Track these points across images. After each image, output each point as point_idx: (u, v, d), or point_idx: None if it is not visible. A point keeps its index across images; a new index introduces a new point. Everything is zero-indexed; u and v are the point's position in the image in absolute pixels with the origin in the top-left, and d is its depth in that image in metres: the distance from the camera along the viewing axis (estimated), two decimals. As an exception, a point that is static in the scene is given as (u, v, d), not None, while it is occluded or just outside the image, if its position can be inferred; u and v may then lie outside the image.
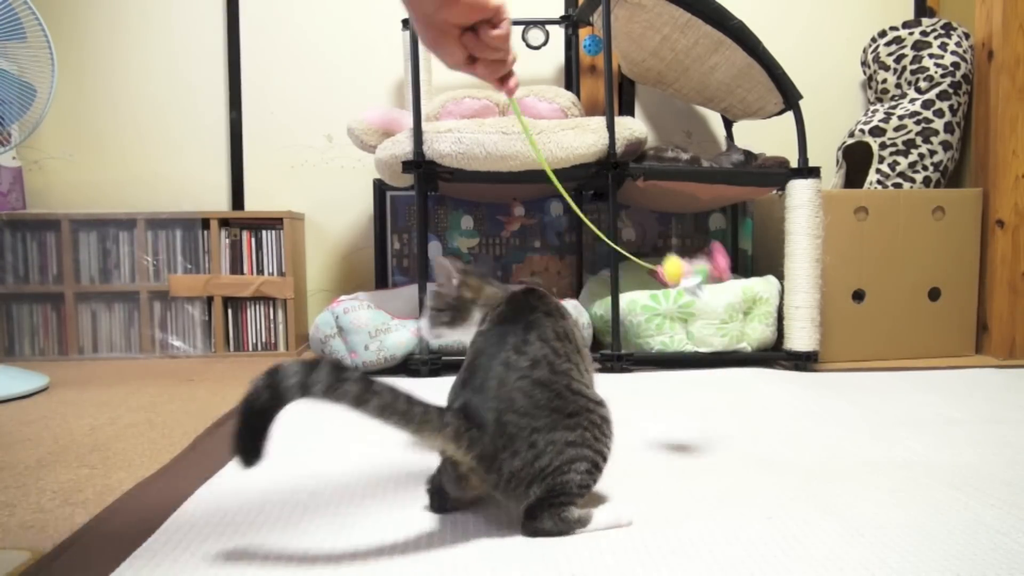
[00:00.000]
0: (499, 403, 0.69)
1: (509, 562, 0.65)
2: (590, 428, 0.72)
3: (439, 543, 0.70)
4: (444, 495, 0.77)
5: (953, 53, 1.92)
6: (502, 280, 2.16)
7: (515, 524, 0.74)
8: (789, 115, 1.74)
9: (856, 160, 2.02)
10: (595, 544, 0.69)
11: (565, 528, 0.71)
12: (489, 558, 0.66)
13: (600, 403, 0.76)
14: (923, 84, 1.94)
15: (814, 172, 1.67)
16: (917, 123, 1.91)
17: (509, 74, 0.78)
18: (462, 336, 0.81)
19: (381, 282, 2.13)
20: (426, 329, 0.83)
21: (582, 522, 0.72)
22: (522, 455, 0.69)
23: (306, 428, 1.12)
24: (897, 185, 1.92)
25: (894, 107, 1.96)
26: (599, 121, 1.65)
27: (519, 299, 0.79)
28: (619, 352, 1.63)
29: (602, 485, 0.81)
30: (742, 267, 2.15)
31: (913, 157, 1.91)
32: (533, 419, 0.69)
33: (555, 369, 0.72)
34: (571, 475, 0.70)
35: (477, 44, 0.73)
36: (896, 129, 1.93)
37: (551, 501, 0.70)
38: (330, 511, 0.78)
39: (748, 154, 1.86)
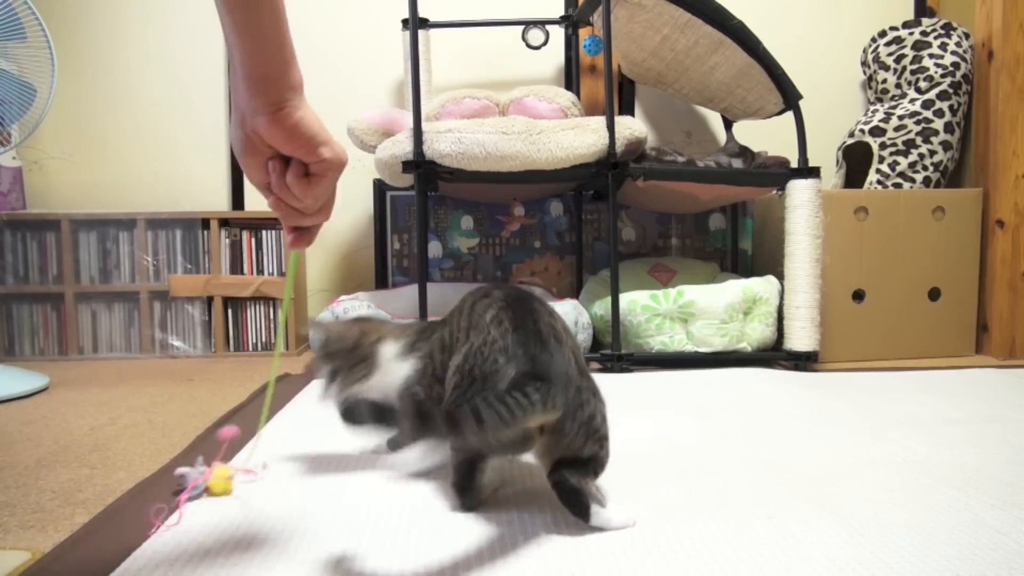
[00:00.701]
0: (566, 357, 0.72)
1: (509, 562, 0.65)
2: (603, 411, 0.75)
3: (438, 543, 0.70)
4: (472, 491, 0.76)
5: (953, 53, 1.92)
6: (502, 281, 2.17)
7: (515, 525, 0.74)
8: (789, 115, 1.74)
9: (856, 160, 2.02)
10: (595, 544, 0.69)
11: (585, 493, 0.71)
12: (489, 558, 0.66)
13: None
14: (923, 84, 1.94)
15: (814, 172, 1.67)
16: (917, 123, 1.91)
17: (303, 228, 0.65)
18: (380, 383, 0.77)
19: (381, 282, 2.13)
20: (335, 394, 0.79)
21: (596, 499, 0.72)
22: (585, 410, 0.71)
23: (310, 427, 1.12)
24: (897, 185, 1.92)
25: (894, 107, 1.96)
26: (599, 121, 1.65)
27: (514, 288, 0.82)
28: (619, 352, 1.63)
29: (603, 484, 0.81)
30: (742, 267, 2.15)
31: (913, 157, 1.91)
32: (585, 380, 0.73)
33: (575, 345, 0.76)
34: (606, 448, 0.74)
35: (279, 178, 0.60)
36: (896, 129, 1.93)
37: (588, 464, 0.72)
38: (330, 508, 0.78)
39: (746, 149, 1.86)
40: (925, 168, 1.91)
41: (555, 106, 1.80)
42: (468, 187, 1.86)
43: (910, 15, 2.23)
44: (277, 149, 0.60)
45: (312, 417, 1.22)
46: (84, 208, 2.11)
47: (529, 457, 0.76)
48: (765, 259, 1.99)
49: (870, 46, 2.09)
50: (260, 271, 2.00)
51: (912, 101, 1.93)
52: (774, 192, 1.79)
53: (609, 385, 1.45)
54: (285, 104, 0.58)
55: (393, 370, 0.79)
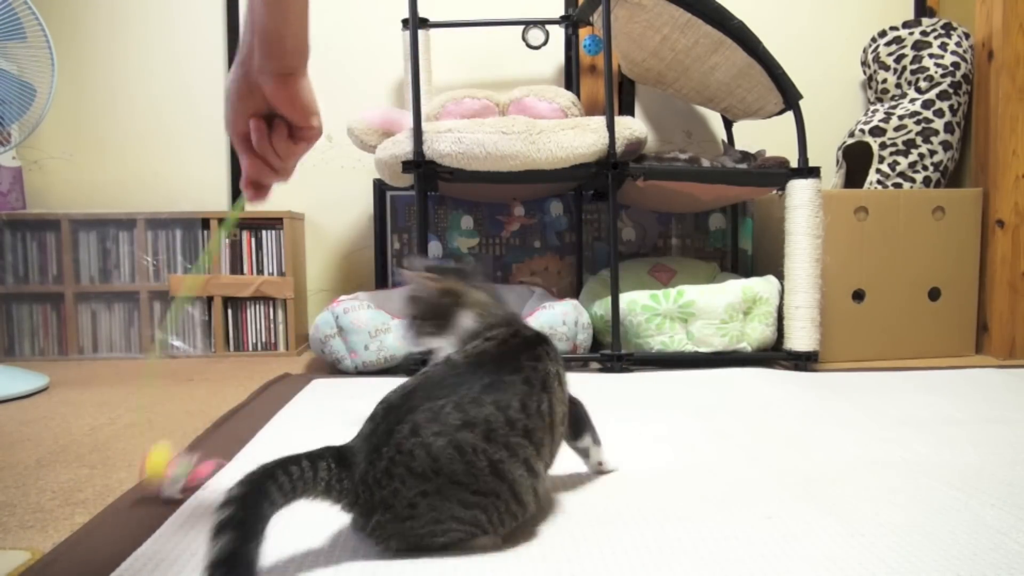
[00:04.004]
0: (393, 454, 0.61)
1: (508, 561, 0.65)
2: (491, 512, 0.64)
3: (439, 543, 0.70)
4: None
5: (953, 53, 1.92)
6: (502, 281, 2.17)
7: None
8: (789, 115, 1.74)
9: (856, 160, 2.02)
10: (595, 544, 0.69)
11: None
12: (488, 557, 0.66)
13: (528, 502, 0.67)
14: (923, 84, 1.94)
15: (814, 172, 1.67)
16: (917, 123, 1.91)
17: (260, 185, 0.67)
18: (453, 342, 0.75)
19: (381, 282, 2.13)
20: (409, 338, 0.77)
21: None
22: (395, 511, 0.62)
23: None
24: (897, 185, 1.92)
25: (894, 107, 1.96)
26: (599, 121, 1.65)
27: (513, 347, 0.70)
28: (619, 352, 1.63)
29: (603, 484, 0.82)
30: (742, 267, 2.15)
31: (913, 157, 1.91)
32: (424, 481, 0.61)
33: (491, 439, 0.63)
34: (437, 538, 0.64)
35: (263, 136, 0.63)
36: (896, 129, 1.93)
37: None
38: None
39: (748, 155, 1.86)
40: (925, 168, 1.91)
41: (555, 106, 1.80)
42: (468, 187, 1.86)
43: (910, 15, 2.23)
44: (276, 109, 0.62)
45: (313, 417, 1.22)
46: (84, 208, 2.11)
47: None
48: (765, 259, 1.99)
49: (870, 46, 2.09)
50: (260, 271, 2.00)
51: (912, 101, 1.93)
52: (774, 192, 1.79)
53: (609, 385, 1.45)
54: (295, 70, 0.62)
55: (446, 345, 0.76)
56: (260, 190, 0.67)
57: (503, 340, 0.71)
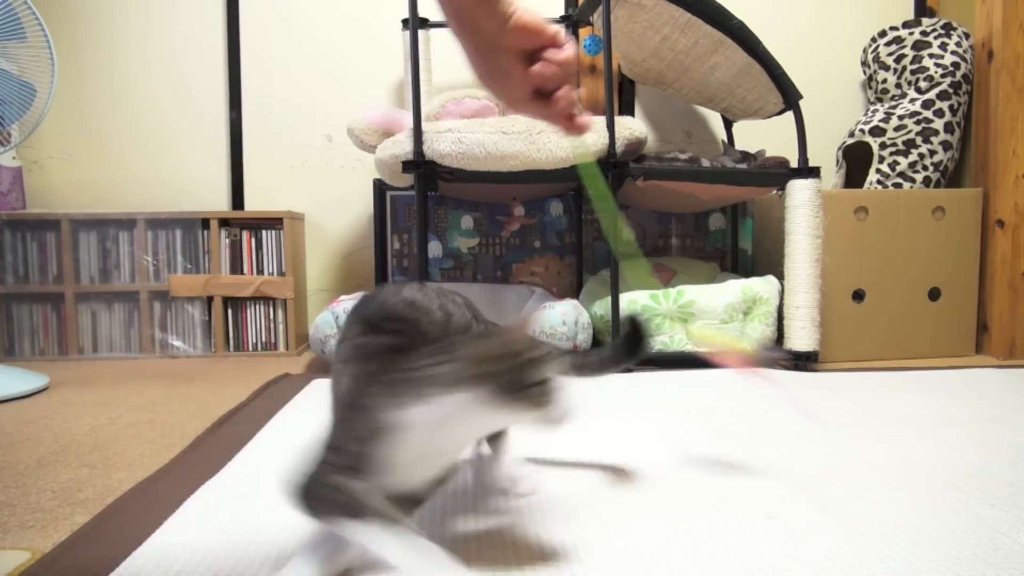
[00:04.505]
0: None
1: (508, 560, 0.65)
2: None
3: (436, 541, 0.70)
4: None
5: (953, 53, 1.92)
6: (502, 281, 2.17)
7: (515, 524, 0.74)
8: (789, 115, 1.74)
9: (856, 160, 2.02)
10: (595, 542, 0.69)
11: None
12: (488, 557, 0.66)
13: None
14: (923, 84, 1.94)
15: (814, 172, 1.67)
16: (917, 123, 1.91)
17: (570, 117, 0.68)
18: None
19: (381, 282, 2.13)
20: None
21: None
22: None
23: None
24: (897, 185, 1.92)
25: (894, 107, 1.96)
26: (599, 121, 1.65)
27: None
28: (619, 352, 1.63)
29: (603, 484, 0.81)
30: (742, 267, 2.15)
31: (913, 157, 1.91)
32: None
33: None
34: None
35: (540, 76, 0.64)
36: (896, 129, 1.93)
37: None
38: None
39: (748, 155, 1.86)
40: (925, 168, 1.91)
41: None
42: (468, 187, 1.86)
43: (910, 15, 2.23)
44: (526, 47, 0.63)
45: (313, 417, 1.22)
46: (84, 208, 2.11)
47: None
48: (765, 259, 1.99)
49: (870, 46, 2.09)
50: (260, 271, 2.00)
51: (912, 101, 1.93)
52: (774, 192, 1.79)
53: (609, 385, 1.45)
54: (512, 8, 0.63)
55: None
56: (572, 121, 0.68)
57: None
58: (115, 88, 2.17)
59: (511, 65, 0.64)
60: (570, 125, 0.68)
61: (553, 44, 0.64)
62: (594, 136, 1.62)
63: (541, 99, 0.66)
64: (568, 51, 0.65)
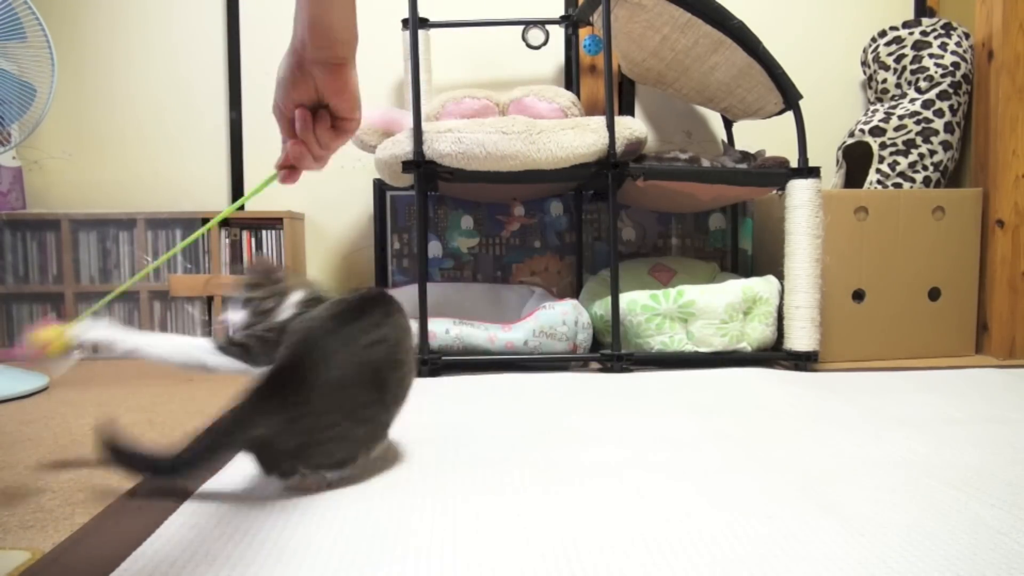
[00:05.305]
0: None
1: (508, 559, 0.65)
2: None
3: (438, 542, 0.70)
4: None
5: (953, 53, 1.92)
6: (502, 281, 2.17)
7: (513, 523, 0.74)
8: (789, 115, 1.74)
9: (856, 160, 2.02)
10: (595, 542, 0.69)
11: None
12: (488, 556, 0.66)
13: None
14: (923, 84, 1.94)
15: (814, 172, 1.67)
16: (917, 123, 1.91)
17: (293, 168, 0.70)
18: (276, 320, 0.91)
19: (381, 282, 2.13)
20: (241, 319, 0.93)
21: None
22: None
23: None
24: (897, 185, 1.92)
25: (894, 107, 1.96)
26: (599, 121, 1.65)
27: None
28: (619, 352, 1.63)
29: (602, 484, 0.81)
30: (742, 267, 2.15)
31: (913, 157, 1.91)
32: None
33: None
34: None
35: (307, 125, 0.65)
36: (896, 129, 1.93)
37: None
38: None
39: (748, 155, 1.86)
40: (925, 168, 1.91)
41: (555, 106, 1.80)
42: (468, 187, 1.86)
43: (910, 15, 2.23)
44: (325, 98, 0.65)
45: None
46: (84, 208, 2.11)
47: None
48: (765, 259, 1.99)
49: (870, 46, 2.09)
50: (260, 271, 2.00)
51: (912, 101, 1.93)
52: (774, 192, 1.79)
53: (609, 385, 1.45)
54: (346, 60, 0.65)
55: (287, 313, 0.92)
56: (294, 173, 0.70)
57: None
58: (115, 88, 2.17)
59: (307, 84, 0.64)
60: (287, 171, 0.70)
61: (346, 119, 0.66)
62: (593, 136, 1.62)
63: (304, 113, 0.65)
64: (339, 139, 0.67)
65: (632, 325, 1.69)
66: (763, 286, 1.72)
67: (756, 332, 1.70)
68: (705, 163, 1.79)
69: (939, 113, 1.90)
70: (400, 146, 1.65)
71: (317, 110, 0.66)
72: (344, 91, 0.65)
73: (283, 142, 0.68)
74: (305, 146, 0.67)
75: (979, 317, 1.86)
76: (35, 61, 1.55)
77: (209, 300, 1.99)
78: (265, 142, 2.20)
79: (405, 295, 1.95)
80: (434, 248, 2.15)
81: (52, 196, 2.17)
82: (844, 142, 2.04)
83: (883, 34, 2.05)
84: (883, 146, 1.94)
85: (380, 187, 2.12)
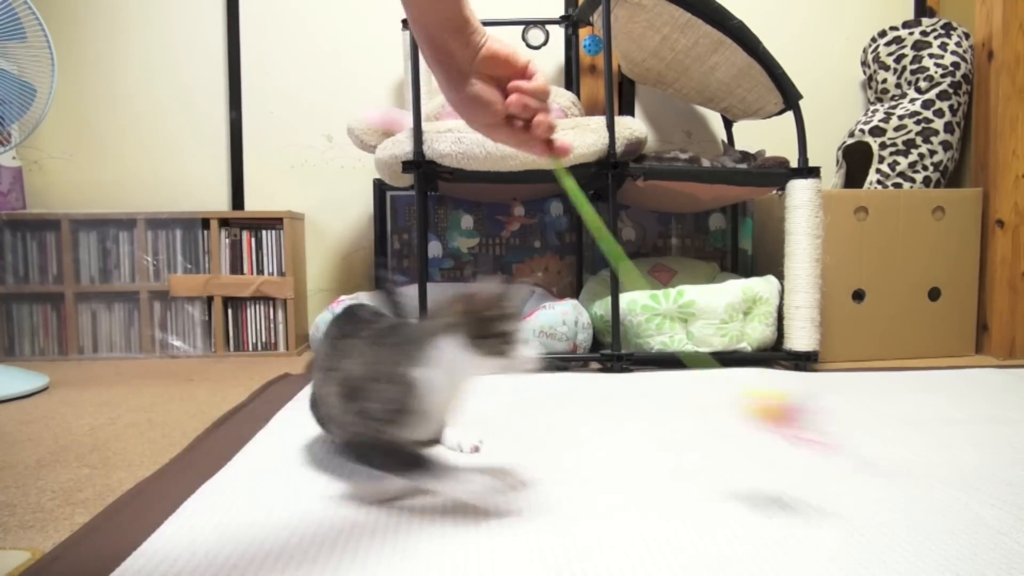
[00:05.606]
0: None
1: (507, 558, 0.65)
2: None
3: (436, 540, 0.70)
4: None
5: (953, 53, 1.92)
6: (501, 280, 2.17)
7: (513, 521, 0.74)
8: (789, 115, 1.74)
9: (856, 160, 2.02)
10: (595, 541, 0.69)
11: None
12: (488, 555, 0.66)
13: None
14: (923, 84, 1.94)
15: (814, 172, 1.67)
16: (917, 123, 1.91)
17: (549, 142, 0.70)
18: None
19: (381, 282, 2.13)
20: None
21: None
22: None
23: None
24: (897, 185, 1.92)
25: (894, 107, 1.96)
26: (599, 121, 1.65)
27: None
28: (619, 352, 1.63)
29: (602, 485, 0.81)
30: (742, 267, 2.15)
31: (913, 157, 1.91)
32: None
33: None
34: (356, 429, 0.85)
35: (514, 105, 0.67)
36: (896, 129, 1.93)
37: None
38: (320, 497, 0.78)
39: (748, 155, 1.86)
40: (925, 168, 1.91)
41: (555, 106, 1.80)
42: (468, 187, 1.86)
43: (910, 15, 2.23)
44: (497, 75, 0.66)
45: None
46: (84, 208, 2.11)
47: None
48: (765, 259, 1.99)
49: (870, 46, 2.09)
50: (260, 271, 2.00)
51: (912, 101, 1.93)
52: (774, 192, 1.79)
53: (609, 385, 1.45)
54: (484, 38, 0.66)
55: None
56: (550, 146, 0.70)
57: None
58: (115, 88, 2.17)
59: (484, 92, 0.66)
60: (549, 150, 0.70)
61: (523, 75, 0.67)
62: (593, 136, 1.62)
63: (515, 126, 0.68)
64: (538, 80, 0.67)
65: (632, 325, 1.69)
66: (763, 286, 1.72)
67: (756, 332, 1.70)
68: (705, 163, 1.79)
69: (939, 113, 1.90)
70: (400, 146, 1.64)
71: (504, 87, 0.67)
72: (506, 57, 0.66)
73: (526, 151, 0.70)
74: (533, 135, 0.68)
75: (979, 317, 1.86)
76: (35, 61, 1.55)
77: (209, 300, 1.99)
78: (265, 142, 2.20)
79: (405, 295, 1.95)
80: (434, 248, 2.15)
81: (52, 196, 2.17)
82: (844, 142, 2.04)
83: (883, 34, 2.05)
84: (883, 146, 1.94)
85: (380, 187, 2.12)
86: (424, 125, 1.61)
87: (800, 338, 1.65)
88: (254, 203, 2.20)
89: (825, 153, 2.10)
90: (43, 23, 1.53)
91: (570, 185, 0.75)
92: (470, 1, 0.65)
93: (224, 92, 2.19)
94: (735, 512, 0.77)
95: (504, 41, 0.67)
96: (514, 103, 0.66)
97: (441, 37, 0.64)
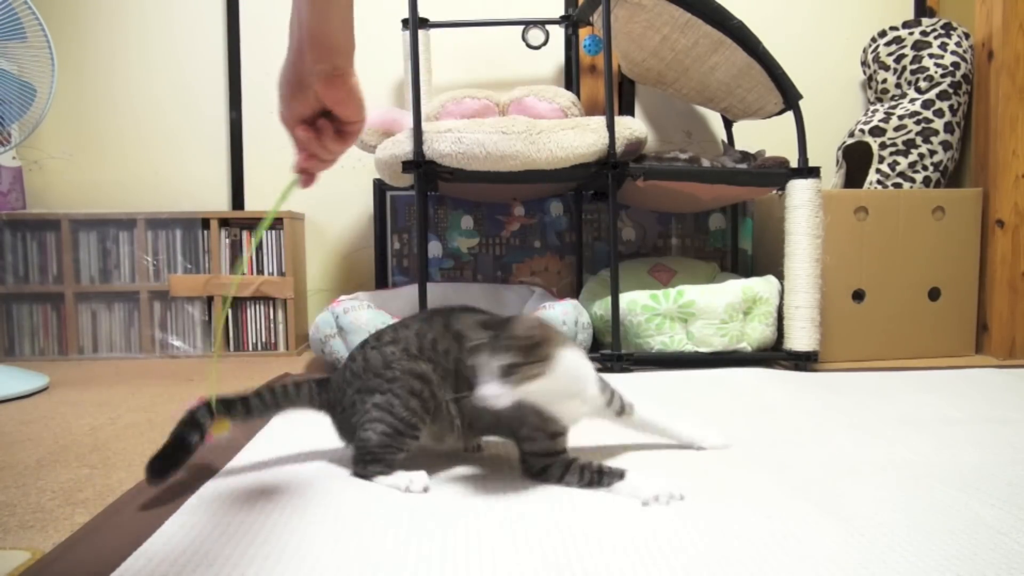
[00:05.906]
0: (346, 362, 0.92)
1: (509, 558, 0.65)
2: (400, 397, 0.85)
3: (436, 540, 0.70)
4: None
5: (953, 53, 1.92)
6: (502, 281, 2.17)
7: (514, 522, 0.74)
8: (789, 115, 1.74)
9: (856, 160, 2.02)
10: (596, 541, 0.69)
11: (364, 475, 0.87)
12: (489, 555, 0.66)
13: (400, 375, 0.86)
14: (923, 84, 1.94)
15: (814, 172, 1.67)
16: (917, 123, 1.91)
17: (310, 172, 0.71)
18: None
19: (381, 282, 2.13)
20: (508, 386, 0.78)
21: (382, 474, 0.86)
22: (344, 408, 0.89)
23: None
24: (897, 185, 1.92)
25: (894, 107, 1.96)
26: (599, 121, 1.65)
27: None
28: (619, 352, 1.63)
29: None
30: (742, 267, 2.15)
31: (913, 157, 1.91)
32: (357, 379, 0.88)
33: (408, 353, 0.88)
34: (369, 433, 0.86)
35: (315, 136, 0.67)
36: (896, 129, 1.93)
37: (359, 453, 0.87)
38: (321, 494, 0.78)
39: (748, 155, 1.86)
40: (925, 168, 1.91)
41: (555, 106, 1.80)
42: (468, 187, 1.86)
43: (910, 15, 2.23)
44: (329, 106, 0.65)
45: (313, 416, 1.22)
46: (84, 208, 2.11)
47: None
48: (765, 259, 1.99)
49: (870, 46, 2.09)
50: (260, 271, 2.00)
51: (912, 101, 1.93)
52: (774, 192, 1.79)
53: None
54: (344, 69, 0.64)
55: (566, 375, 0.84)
56: (310, 177, 0.72)
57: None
58: (115, 88, 2.17)
59: (307, 95, 0.64)
60: (307, 177, 0.71)
61: (349, 121, 0.66)
62: (593, 136, 1.62)
63: (307, 130, 0.66)
64: (345, 144, 0.68)
65: (632, 325, 1.69)
66: (763, 286, 1.72)
67: (756, 332, 1.70)
68: (705, 163, 1.79)
69: (939, 113, 1.90)
70: (400, 146, 1.64)
71: (320, 119, 0.66)
72: (347, 100, 0.64)
73: (295, 152, 0.70)
74: (314, 156, 0.69)
75: (979, 317, 1.86)
76: (35, 61, 1.55)
77: (209, 300, 1.99)
78: (265, 142, 2.20)
79: (405, 295, 1.96)
80: (434, 248, 2.15)
81: (52, 196, 2.17)
82: (844, 142, 2.04)
83: (883, 34, 2.05)
84: (883, 146, 1.94)
85: (380, 187, 2.12)
86: (424, 125, 1.61)
87: (800, 338, 1.65)
88: (254, 203, 2.20)
89: (825, 153, 2.10)
90: (43, 23, 1.53)
91: (271, 216, 0.85)
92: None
93: (224, 92, 2.19)
94: (735, 512, 0.77)
95: (357, 86, 0.66)
96: (313, 128, 0.66)
97: (324, 28, 0.63)
